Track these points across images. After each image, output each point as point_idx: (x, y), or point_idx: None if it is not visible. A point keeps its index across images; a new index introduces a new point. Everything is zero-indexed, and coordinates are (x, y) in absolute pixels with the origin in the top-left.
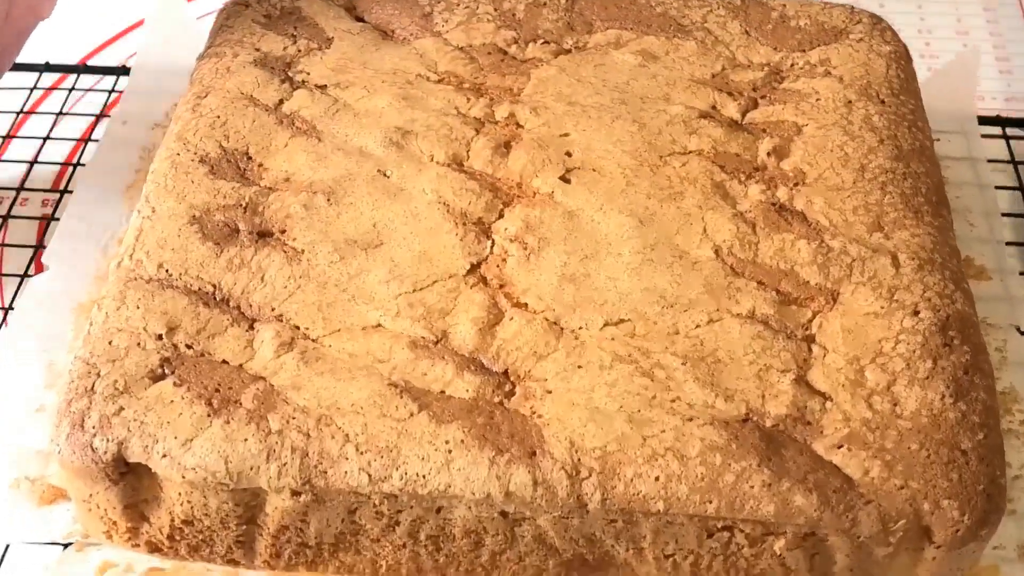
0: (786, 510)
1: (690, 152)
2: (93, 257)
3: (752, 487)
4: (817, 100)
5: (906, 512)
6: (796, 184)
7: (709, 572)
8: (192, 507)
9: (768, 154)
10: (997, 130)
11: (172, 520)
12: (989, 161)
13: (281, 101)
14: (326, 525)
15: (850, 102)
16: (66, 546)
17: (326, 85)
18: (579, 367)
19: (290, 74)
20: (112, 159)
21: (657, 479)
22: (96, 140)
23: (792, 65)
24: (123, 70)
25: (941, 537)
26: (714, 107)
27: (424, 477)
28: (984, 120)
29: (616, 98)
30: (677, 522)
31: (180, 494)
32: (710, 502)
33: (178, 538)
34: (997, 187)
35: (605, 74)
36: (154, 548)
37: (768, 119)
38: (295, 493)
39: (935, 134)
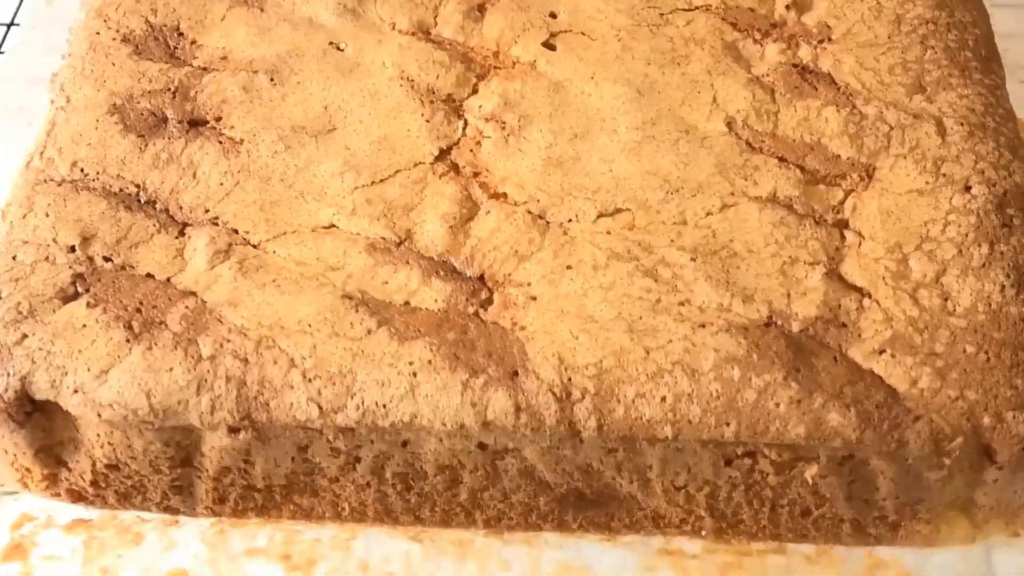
0: (819, 431)
1: (696, 8)
2: (16, 159)
3: (778, 405)
4: None
5: (963, 428)
6: (821, 41)
7: (729, 505)
8: (115, 449)
9: (787, 7)
10: None
11: (94, 465)
12: None
13: None
14: (274, 465)
15: None
16: None
17: None
18: (568, 267)
19: None
20: (37, 42)
21: (664, 400)
22: (18, 25)
23: None
24: None
25: (1004, 456)
26: None
27: (385, 407)
28: None
29: None
30: (689, 449)
31: (99, 435)
32: (727, 424)
33: (103, 485)
34: None
35: None
36: (78, 497)
37: None
38: (233, 430)
39: None
